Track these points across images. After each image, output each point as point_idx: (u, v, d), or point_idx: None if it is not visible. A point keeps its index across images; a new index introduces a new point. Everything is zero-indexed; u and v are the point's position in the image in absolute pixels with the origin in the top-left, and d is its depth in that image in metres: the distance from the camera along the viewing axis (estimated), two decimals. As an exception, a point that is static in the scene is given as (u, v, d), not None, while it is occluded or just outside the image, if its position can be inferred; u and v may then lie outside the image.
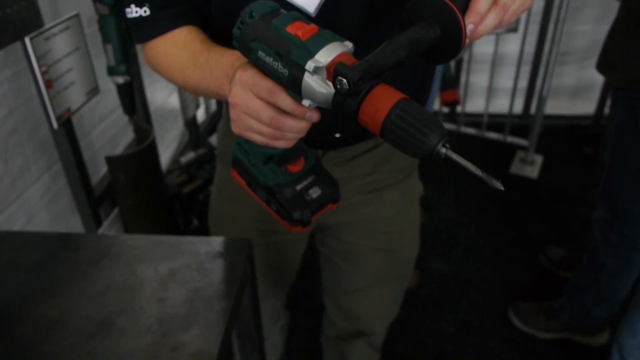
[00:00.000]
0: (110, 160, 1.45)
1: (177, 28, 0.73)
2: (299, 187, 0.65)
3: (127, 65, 1.49)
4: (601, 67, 1.44)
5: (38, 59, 1.17)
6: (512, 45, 2.71)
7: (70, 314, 0.66)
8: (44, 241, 0.83)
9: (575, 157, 2.78)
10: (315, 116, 0.55)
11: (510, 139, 2.73)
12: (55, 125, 1.23)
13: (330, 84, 0.50)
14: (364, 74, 0.47)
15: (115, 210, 1.54)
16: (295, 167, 0.64)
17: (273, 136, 0.57)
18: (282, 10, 0.55)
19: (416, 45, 0.52)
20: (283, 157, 0.64)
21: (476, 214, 2.39)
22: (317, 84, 0.50)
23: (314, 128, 0.59)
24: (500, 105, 2.87)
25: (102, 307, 0.67)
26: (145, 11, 0.72)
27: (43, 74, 1.18)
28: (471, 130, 2.81)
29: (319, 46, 0.50)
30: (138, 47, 1.66)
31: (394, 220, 0.97)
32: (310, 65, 0.49)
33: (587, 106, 3.00)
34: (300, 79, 0.51)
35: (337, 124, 0.82)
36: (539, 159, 2.69)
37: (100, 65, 1.50)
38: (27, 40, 1.13)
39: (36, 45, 1.16)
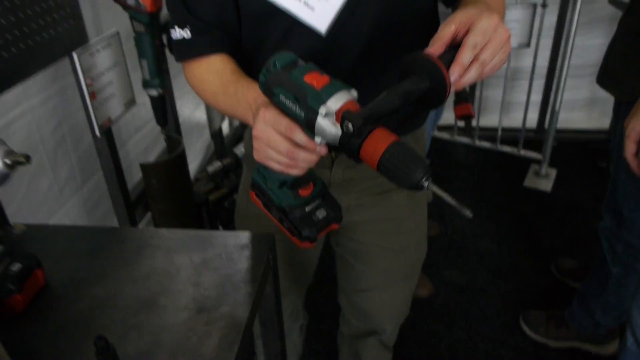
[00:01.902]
0: (144, 167, 1.57)
1: (212, 54, 0.84)
2: (307, 209, 0.75)
3: (161, 79, 1.61)
4: (602, 81, 1.50)
5: (84, 72, 1.29)
6: (527, 59, 2.77)
7: (118, 294, 0.77)
8: (94, 234, 0.94)
9: (589, 171, 2.82)
10: (324, 150, 0.65)
11: (524, 152, 2.79)
12: (97, 133, 1.35)
13: (338, 126, 0.60)
14: (366, 120, 0.58)
15: (148, 215, 1.65)
16: (305, 192, 0.74)
17: (288, 165, 0.66)
18: (300, 61, 0.65)
19: (409, 95, 0.61)
20: (295, 182, 0.74)
21: (490, 225, 2.45)
22: (327, 126, 0.60)
23: None
24: (516, 118, 2.93)
25: (145, 289, 0.77)
26: (187, 33, 0.84)
27: (88, 86, 1.31)
28: (486, 144, 2.88)
29: (330, 94, 0.60)
30: (170, 62, 1.79)
31: (402, 221, 1.06)
32: (322, 110, 0.60)
33: (602, 120, 3.03)
34: (314, 120, 0.61)
35: None
36: (552, 173, 2.74)
37: (136, 79, 1.63)
38: (74, 55, 1.26)
39: (82, 60, 1.29)
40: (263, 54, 0.88)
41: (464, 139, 2.93)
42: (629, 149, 1.08)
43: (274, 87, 0.64)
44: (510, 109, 3.05)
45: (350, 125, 0.58)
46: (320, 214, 0.75)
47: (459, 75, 0.62)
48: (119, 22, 1.60)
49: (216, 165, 2.07)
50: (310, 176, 0.75)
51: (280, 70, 0.64)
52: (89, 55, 1.32)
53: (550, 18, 2.70)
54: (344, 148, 0.61)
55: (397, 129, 0.87)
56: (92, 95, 1.33)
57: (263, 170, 0.76)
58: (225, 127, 2.71)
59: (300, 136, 0.63)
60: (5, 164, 0.68)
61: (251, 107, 0.73)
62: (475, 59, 0.62)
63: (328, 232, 1.14)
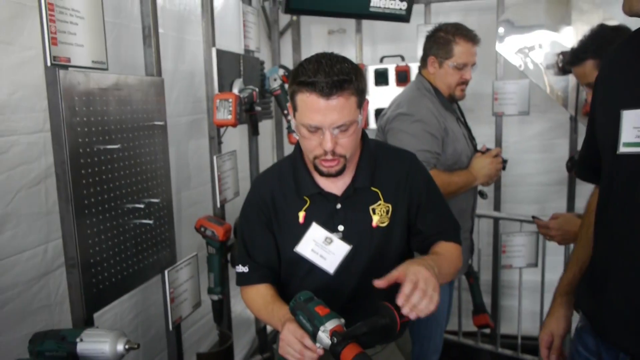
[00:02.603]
0: (199, 356, 1.98)
1: (261, 284, 1.35)
2: None
3: (222, 288, 2.12)
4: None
5: (170, 284, 1.81)
6: (547, 274, 3.07)
7: None
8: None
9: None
10: (321, 352, 1.10)
11: (544, 362, 2.94)
12: (170, 328, 1.81)
13: (329, 339, 1.06)
14: (345, 338, 1.04)
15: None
16: None
17: (299, 359, 1.10)
18: (314, 298, 1.14)
19: (374, 326, 1.07)
20: None
21: None
22: (324, 338, 1.07)
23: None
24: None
25: None
26: (246, 269, 1.37)
27: (170, 293, 1.81)
28: (508, 352, 3.06)
29: (328, 320, 1.08)
30: (231, 274, 2.31)
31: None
32: (322, 329, 1.07)
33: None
34: (317, 334, 1.08)
35: None
36: (573, 384, 2.83)
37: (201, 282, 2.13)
38: (166, 273, 1.79)
39: (170, 276, 1.81)
40: (293, 282, 1.37)
41: (487, 346, 3.13)
42: (542, 355, 1.39)
43: (297, 311, 1.14)
44: (537, 318, 3.27)
45: (335, 340, 1.04)
46: None
47: (403, 302, 1.04)
48: (195, 242, 2.19)
49: (257, 358, 2.44)
50: None
51: (302, 302, 1.14)
52: (175, 271, 1.85)
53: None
54: (332, 352, 1.06)
55: (383, 339, 1.29)
56: (172, 300, 1.82)
57: None
58: (269, 326, 3.13)
59: (308, 342, 1.10)
60: (126, 349, 1.14)
61: (281, 320, 1.20)
62: (422, 294, 1.05)
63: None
